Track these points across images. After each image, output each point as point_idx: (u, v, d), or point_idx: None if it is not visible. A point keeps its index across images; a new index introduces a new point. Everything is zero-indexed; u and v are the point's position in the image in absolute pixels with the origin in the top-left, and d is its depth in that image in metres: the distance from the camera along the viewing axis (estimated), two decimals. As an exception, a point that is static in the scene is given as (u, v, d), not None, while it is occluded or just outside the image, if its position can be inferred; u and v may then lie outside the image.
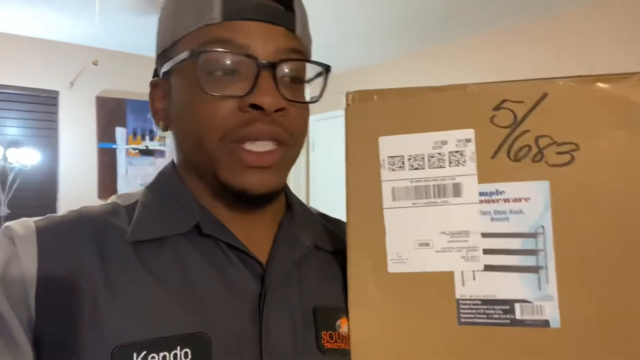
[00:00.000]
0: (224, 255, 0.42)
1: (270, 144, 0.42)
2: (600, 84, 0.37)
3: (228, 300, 0.40)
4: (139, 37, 3.01)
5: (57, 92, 3.26)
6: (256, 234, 0.45)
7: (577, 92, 0.38)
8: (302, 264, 0.45)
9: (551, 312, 0.38)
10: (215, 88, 0.40)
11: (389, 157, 0.42)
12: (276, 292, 0.42)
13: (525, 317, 0.39)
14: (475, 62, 2.76)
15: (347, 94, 0.43)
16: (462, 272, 0.40)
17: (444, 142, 0.41)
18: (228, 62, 0.41)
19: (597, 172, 0.38)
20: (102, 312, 0.36)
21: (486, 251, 0.40)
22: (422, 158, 0.41)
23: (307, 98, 0.45)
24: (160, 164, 3.47)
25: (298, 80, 0.44)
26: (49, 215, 0.41)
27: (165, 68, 0.44)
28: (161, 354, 0.37)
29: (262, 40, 0.41)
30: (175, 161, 0.48)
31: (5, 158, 2.82)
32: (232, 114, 0.40)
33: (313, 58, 0.46)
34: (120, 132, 3.41)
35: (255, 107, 0.40)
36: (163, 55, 0.45)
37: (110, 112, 3.36)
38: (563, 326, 0.38)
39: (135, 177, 3.39)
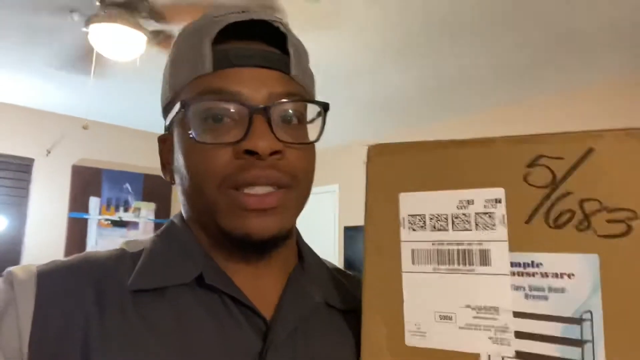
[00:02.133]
0: (225, 309, 0.40)
1: (269, 188, 0.40)
2: None
3: (226, 358, 0.38)
4: (120, 107, 3.10)
5: (31, 160, 3.25)
6: (263, 286, 0.43)
7: (630, 147, 0.31)
8: (310, 322, 0.42)
9: (601, 421, 0.30)
10: (207, 137, 0.40)
11: (409, 215, 0.38)
12: (278, 351, 0.39)
13: (566, 423, 0.31)
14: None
15: (369, 147, 0.40)
16: (489, 355, 0.34)
17: (470, 202, 0.36)
18: (219, 109, 0.41)
19: None
20: (92, 357, 0.36)
21: (518, 334, 0.33)
22: (446, 218, 0.36)
23: (311, 138, 0.44)
24: (133, 236, 3.45)
25: (297, 122, 0.42)
26: (54, 259, 0.43)
27: (167, 122, 0.46)
28: None
29: (255, 86, 0.41)
30: (182, 212, 0.48)
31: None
32: (228, 162, 0.40)
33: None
34: (94, 202, 3.40)
35: (250, 152, 0.39)
36: (165, 110, 0.47)
37: (86, 182, 3.37)
38: None
39: (105, 248, 3.36)
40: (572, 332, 0.32)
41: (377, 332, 0.38)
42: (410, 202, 0.38)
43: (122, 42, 1.94)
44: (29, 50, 2.42)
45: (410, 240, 0.38)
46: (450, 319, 0.36)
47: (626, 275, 0.31)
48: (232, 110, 0.41)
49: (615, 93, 2.53)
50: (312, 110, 0.45)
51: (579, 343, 0.31)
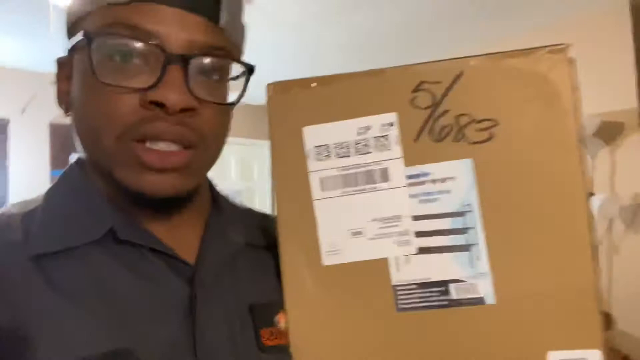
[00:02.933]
0: (146, 261, 0.39)
1: (174, 146, 0.38)
2: (510, 59, 0.38)
3: (154, 309, 0.37)
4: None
5: (7, 120, 3.13)
6: (180, 236, 0.42)
7: (490, 69, 0.38)
8: (233, 262, 0.43)
9: (485, 289, 0.39)
10: (112, 77, 0.36)
11: (314, 147, 0.41)
12: (208, 293, 0.39)
13: (460, 297, 0.39)
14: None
15: (268, 86, 0.42)
16: (395, 257, 0.40)
17: (368, 128, 0.40)
18: (130, 48, 0.36)
19: (515, 146, 0.38)
20: (4, 340, 0.32)
21: (418, 234, 0.40)
22: (348, 146, 0.40)
23: (232, 98, 0.43)
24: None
25: (217, 78, 0.40)
26: None
27: (68, 46, 0.40)
28: None
29: (175, 29, 0.37)
30: (81, 156, 0.43)
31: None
32: (132, 110, 0.36)
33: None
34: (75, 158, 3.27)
35: (157, 104, 0.36)
36: (68, 33, 0.41)
37: (65, 138, 3.20)
38: (498, 302, 0.38)
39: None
40: (458, 223, 0.39)
41: (296, 259, 0.41)
42: (314, 135, 0.41)
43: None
44: None
45: (317, 169, 0.41)
46: (361, 233, 0.40)
47: (493, 172, 0.39)
48: (145, 51, 0.36)
49: (599, 23, 2.51)
50: (236, 68, 0.42)
51: (464, 231, 0.39)
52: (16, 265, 0.35)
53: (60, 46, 0.42)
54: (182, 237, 0.42)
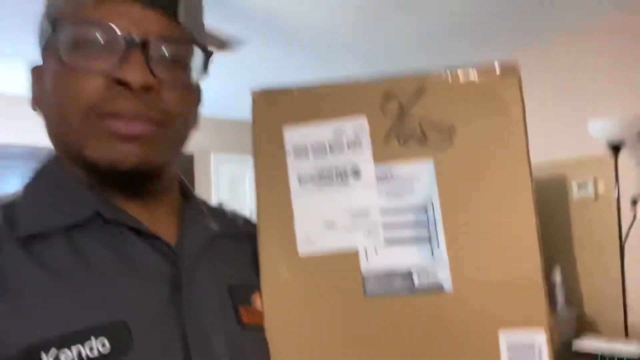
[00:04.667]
0: (129, 242, 0.41)
1: (137, 123, 0.40)
2: (465, 76, 0.44)
3: (142, 285, 0.40)
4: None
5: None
6: (157, 221, 0.45)
7: (450, 83, 0.44)
8: (210, 248, 0.46)
9: (443, 275, 0.43)
10: (77, 61, 0.39)
11: (293, 146, 0.45)
12: (191, 273, 0.42)
13: (422, 283, 0.43)
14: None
15: (253, 93, 0.46)
16: (365, 248, 0.44)
17: (342, 130, 0.45)
18: (94, 35, 0.39)
19: (472, 151, 0.44)
20: None
21: (385, 226, 0.44)
22: (324, 145, 0.45)
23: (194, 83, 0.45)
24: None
25: (181, 64, 0.43)
26: None
27: (39, 48, 0.43)
28: (74, 349, 0.35)
29: (137, 22, 0.40)
30: (55, 152, 0.46)
31: None
32: (97, 90, 0.39)
33: None
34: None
35: (121, 84, 0.39)
36: (40, 42, 0.44)
37: None
38: (455, 290, 0.43)
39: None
40: (421, 216, 0.44)
41: (273, 248, 0.45)
42: (294, 135, 0.45)
43: None
44: (22, 39, 2.26)
45: (295, 166, 0.45)
46: (333, 225, 0.44)
47: (452, 173, 0.44)
48: (108, 38, 0.39)
49: (617, 32, 2.52)
50: (198, 58, 0.46)
51: (425, 224, 0.43)
52: (3, 246, 0.37)
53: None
54: (158, 222, 0.45)
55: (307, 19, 2.42)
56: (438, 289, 0.43)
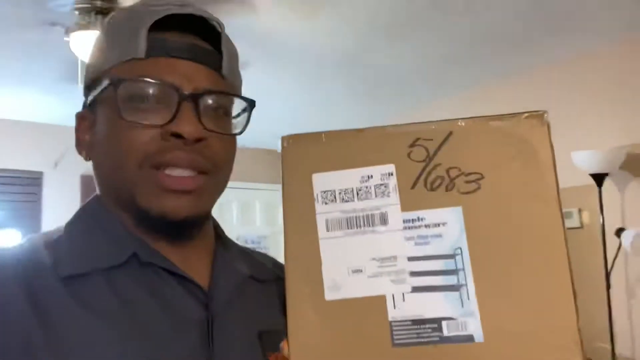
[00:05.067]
0: (164, 284, 0.42)
1: (190, 171, 0.43)
2: (493, 122, 0.44)
3: (174, 329, 0.40)
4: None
5: (40, 173, 3.29)
6: (192, 264, 0.46)
7: (476, 130, 0.44)
8: (241, 291, 0.46)
9: (474, 327, 0.42)
10: (135, 116, 0.42)
11: (321, 192, 0.45)
12: (222, 317, 0.42)
13: (451, 334, 0.42)
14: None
15: (283, 138, 0.47)
16: (392, 295, 0.43)
17: (370, 177, 0.45)
18: (150, 92, 0.42)
19: (500, 197, 0.43)
20: (40, 355, 0.34)
21: (413, 274, 0.44)
22: (352, 191, 0.45)
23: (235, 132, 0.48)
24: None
25: (223, 114, 0.46)
26: None
27: (89, 99, 0.46)
28: None
29: (186, 77, 0.43)
30: (99, 194, 0.48)
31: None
32: (152, 141, 0.42)
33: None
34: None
35: (176, 136, 0.41)
36: (89, 88, 0.46)
37: (95, 190, 3.21)
38: (486, 340, 0.42)
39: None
40: (449, 264, 0.43)
41: (301, 292, 0.44)
42: (322, 181, 0.45)
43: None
44: (25, 66, 2.53)
45: (323, 212, 0.45)
46: (361, 271, 0.44)
47: (481, 220, 0.44)
48: (162, 93, 0.42)
49: (617, 57, 2.51)
50: (238, 107, 0.49)
51: (454, 272, 0.43)
52: (48, 285, 0.38)
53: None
54: (193, 265, 0.46)
55: (307, 43, 2.46)
56: (468, 340, 0.42)
